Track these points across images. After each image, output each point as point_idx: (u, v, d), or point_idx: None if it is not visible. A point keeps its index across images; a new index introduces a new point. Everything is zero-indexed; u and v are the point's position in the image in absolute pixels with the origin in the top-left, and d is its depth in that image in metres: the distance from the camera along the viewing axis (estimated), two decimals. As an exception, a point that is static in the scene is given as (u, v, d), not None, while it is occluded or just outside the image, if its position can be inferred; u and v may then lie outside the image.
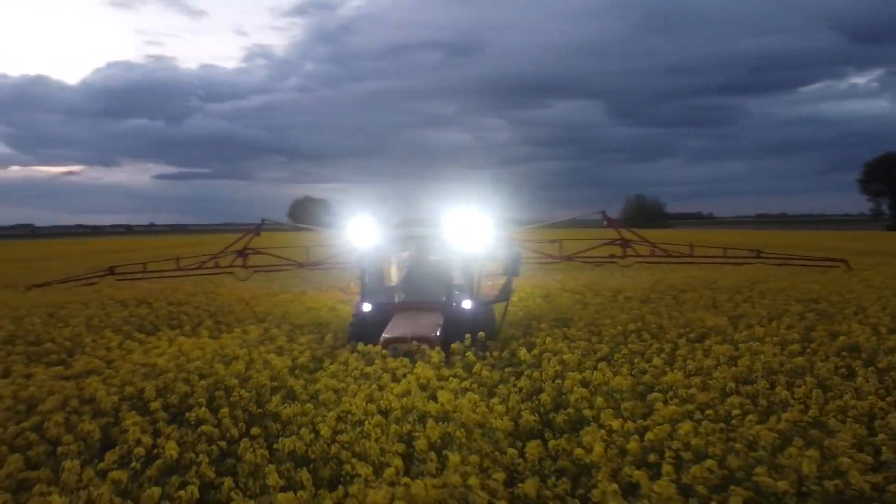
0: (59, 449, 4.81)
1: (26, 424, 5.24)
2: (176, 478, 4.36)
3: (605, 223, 18.09)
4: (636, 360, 7.09)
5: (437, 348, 7.56)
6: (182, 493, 4.11)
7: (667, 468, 4.19)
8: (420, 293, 9.64)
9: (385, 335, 8.10)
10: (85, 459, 4.71)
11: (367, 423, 5.17)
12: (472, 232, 9.36)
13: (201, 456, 4.63)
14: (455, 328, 8.45)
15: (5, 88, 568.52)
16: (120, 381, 6.41)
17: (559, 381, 6.29)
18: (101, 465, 4.50)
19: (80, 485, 4.18)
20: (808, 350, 7.26)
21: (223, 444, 5.01)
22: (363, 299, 9.45)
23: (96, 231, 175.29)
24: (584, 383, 6.15)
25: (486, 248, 9.94)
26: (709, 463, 4.19)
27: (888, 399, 5.56)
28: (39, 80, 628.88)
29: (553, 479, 4.40)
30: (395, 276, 10.38)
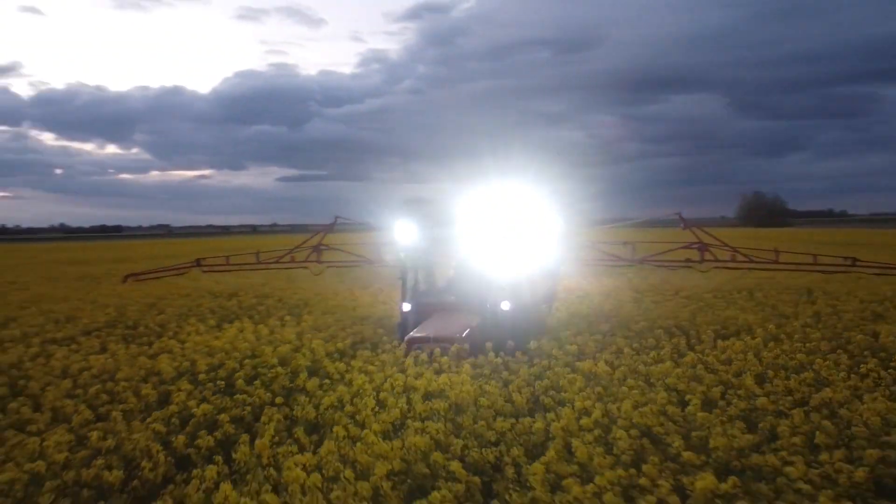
0: (121, 406, 6.02)
1: (102, 388, 6.53)
2: (204, 432, 5.44)
3: (682, 225, 17.93)
4: (626, 351, 7.71)
5: (465, 347, 7.69)
6: (201, 441, 5.18)
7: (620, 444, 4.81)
8: (458, 294, 9.74)
9: (410, 335, 8.30)
10: (140, 415, 5.91)
11: (368, 396, 6.05)
12: (514, 231, 9.22)
13: (223, 415, 5.69)
14: (493, 329, 8.63)
15: (147, 99, 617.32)
16: (183, 358, 7.67)
17: (555, 369, 6.94)
18: (149, 419, 5.66)
19: (127, 431, 5.35)
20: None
21: (248, 409, 6.07)
22: (404, 298, 9.62)
23: (225, 231, 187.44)
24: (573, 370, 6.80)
25: (531, 249, 9.85)
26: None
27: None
28: (176, 91, 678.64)
29: (511, 447, 5.10)
30: (437, 276, 10.44)
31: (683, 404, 5.64)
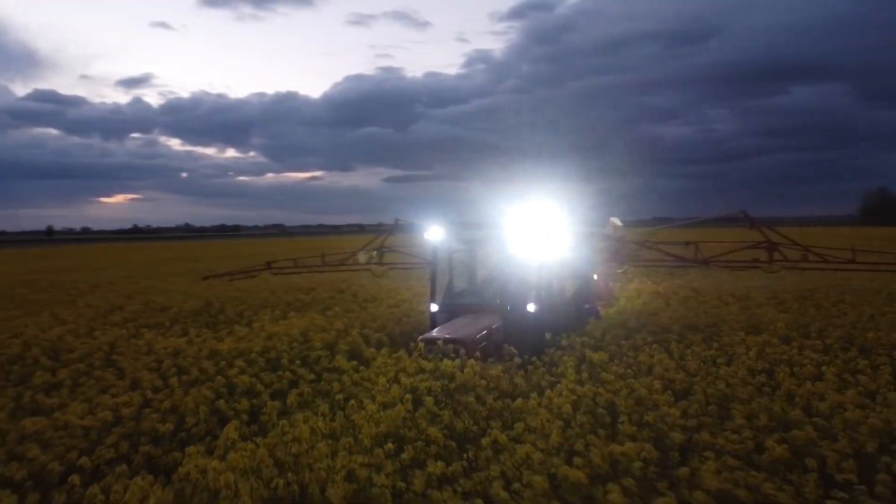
0: (184, 377, 7.34)
1: (172, 363, 7.91)
2: (245, 399, 6.63)
3: (749, 224, 17.71)
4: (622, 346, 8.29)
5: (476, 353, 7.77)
6: (237, 405, 6.37)
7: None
8: (488, 295, 9.79)
9: (424, 335, 8.42)
10: (198, 384, 7.18)
11: (384, 376, 7.05)
12: (543, 233, 9.24)
13: (259, 386, 6.88)
14: (517, 332, 8.69)
15: (263, 105, 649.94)
16: (245, 340, 8.99)
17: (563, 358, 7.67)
18: (202, 387, 6.91)
19: (183, 395, 6.62)
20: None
21: (285, 383, 7.23)
22: (432, 299, 9.79)
23: (335, 230, 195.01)
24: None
25: (560, 251, 9.89)
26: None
27: None
28: (289, 97, 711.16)
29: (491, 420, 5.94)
30: (466, 276, 10.53)
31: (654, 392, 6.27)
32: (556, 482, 4.50)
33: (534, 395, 6.30)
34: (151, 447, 5.63)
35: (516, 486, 4.45)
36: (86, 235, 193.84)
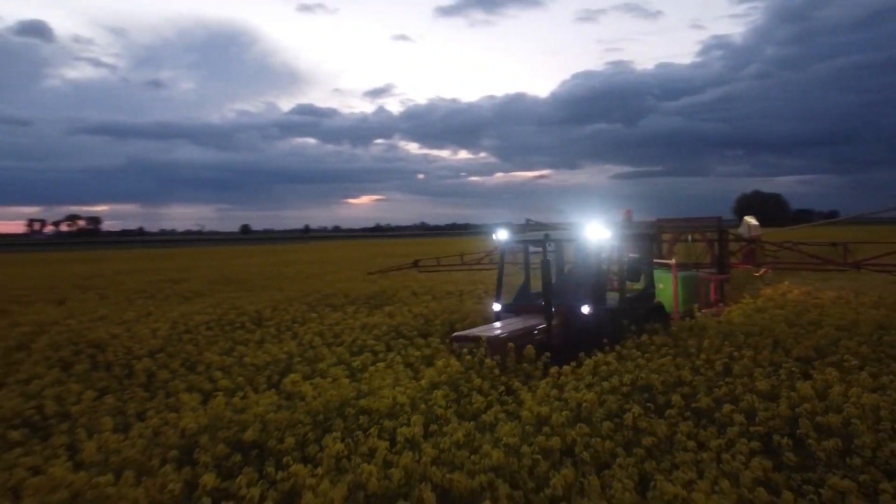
0: (334, 339, 10.56)
1: (331, 330, 11.16)
2: (368, 353, 9.50)
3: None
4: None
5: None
6: (357, 357, 9.37)
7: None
8: (537, 296, 9.80)
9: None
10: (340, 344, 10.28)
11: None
12: (601, 236, 9.32)
13: (380, 346, 9.65)
14: (571, 333, 8.83)
15: (494, 107, 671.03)
16: (385, 315, 12.12)
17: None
18: (341, 347, 10.00)
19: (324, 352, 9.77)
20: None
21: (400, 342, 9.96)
22: (497, 299, 10.05)
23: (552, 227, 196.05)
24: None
25: (617, 253, 10.19)
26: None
27: None
28: (518, 98, 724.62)
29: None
30: (552, 277, 10.32)
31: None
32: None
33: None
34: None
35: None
36: (336, 234, 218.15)
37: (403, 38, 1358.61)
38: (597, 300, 9.33)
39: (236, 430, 5.91)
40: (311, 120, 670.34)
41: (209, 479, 4.75)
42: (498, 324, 9.22)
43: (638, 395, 6.78)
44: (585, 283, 9.50)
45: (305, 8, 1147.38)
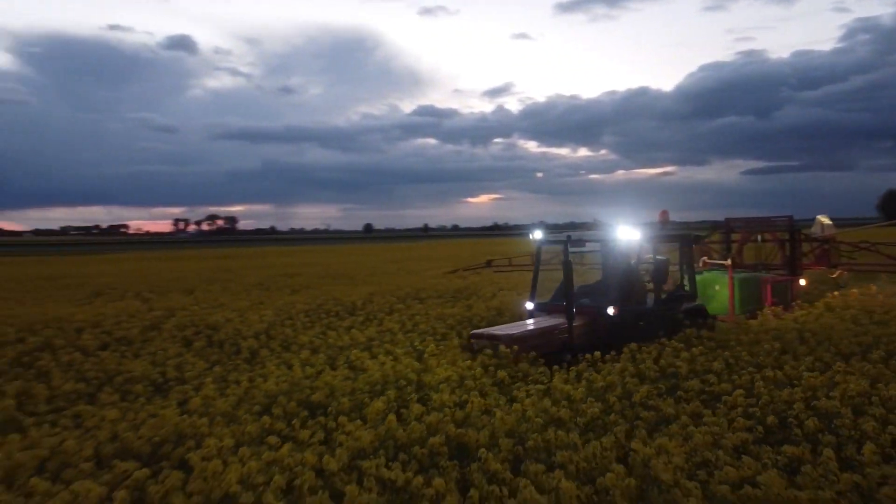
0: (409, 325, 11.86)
1: (411, 319, 12.48)
2: (430, 337, 10.79)
3: None
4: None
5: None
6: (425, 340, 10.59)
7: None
8: (562, 297, 9.70)
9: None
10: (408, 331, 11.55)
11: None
12: (629, 239, 9.48)
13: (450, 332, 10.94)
14: (597, 333, 8.98)
15: (615, 103, 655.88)
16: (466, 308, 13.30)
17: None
18: (414, 333, 11.25)
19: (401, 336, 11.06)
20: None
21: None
22: (531, 298, 10.23)
23: (685, 226, 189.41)
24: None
25: (643, 255, 10.40)
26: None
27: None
28: (641, 92, 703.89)
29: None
30: (592, 278, 10.92)
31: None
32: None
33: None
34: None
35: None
36: (454, 232, 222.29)
37: (523, 36, 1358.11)
38: (623, 301, 9.40)
39: (308, 393, 7.26)
40: (432, 121, 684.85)
41: (280, 425, 6.14)
42: (521, 322, 9.66)
43: (665, 381, 7.50)
44: (612, 284, 9.61)
45: (427, 11, 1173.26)
